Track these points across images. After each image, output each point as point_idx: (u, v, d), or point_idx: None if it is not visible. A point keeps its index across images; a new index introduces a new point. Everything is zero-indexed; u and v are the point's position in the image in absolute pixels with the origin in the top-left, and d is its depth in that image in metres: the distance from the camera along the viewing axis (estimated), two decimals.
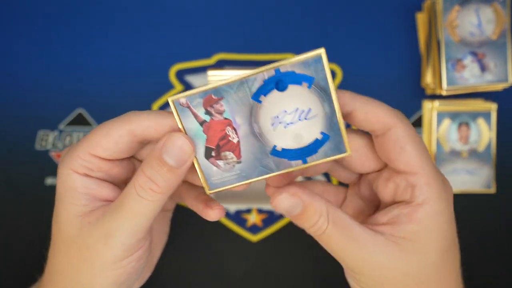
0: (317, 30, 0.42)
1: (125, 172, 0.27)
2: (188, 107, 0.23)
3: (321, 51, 0.22)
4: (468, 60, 0.39)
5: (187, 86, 0.42)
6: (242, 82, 0.23)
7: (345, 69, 0.42)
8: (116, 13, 0.42)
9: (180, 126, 0.24)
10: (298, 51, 0.42)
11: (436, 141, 0.40)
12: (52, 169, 0.42)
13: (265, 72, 0.23)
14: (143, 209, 0.24)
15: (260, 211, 0.42)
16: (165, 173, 0.23)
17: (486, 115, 0.40)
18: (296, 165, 0.24)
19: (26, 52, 0.42)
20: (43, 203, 0.41)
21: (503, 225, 0.42)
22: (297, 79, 0.23)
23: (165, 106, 0.42)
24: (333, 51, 0.42)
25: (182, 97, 0.23)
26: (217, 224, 0.42)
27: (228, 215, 0.42)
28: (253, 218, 0.42)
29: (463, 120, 0.40)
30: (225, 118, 0.24)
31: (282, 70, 0.23)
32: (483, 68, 0.39)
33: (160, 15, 0.42)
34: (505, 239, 0.42)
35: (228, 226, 0.42)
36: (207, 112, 0.23)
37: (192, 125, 0.24)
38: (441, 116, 0.40)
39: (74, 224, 0.25)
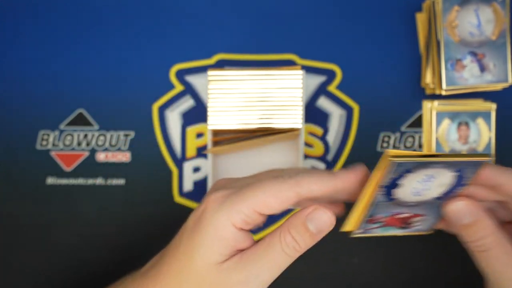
0: (317, 30, 0.42)
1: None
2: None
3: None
4: (468, 60, 0.39)
5: (187, 86, 0.42)
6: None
7: (345, 69, 0.42)
8: (117, 14, 0.42)
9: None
10: (298, 52, 0.42)
11: (435, 141, 0.40)
12: (53, 168, 0.42)
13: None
14: (282, 262, 0.26)
15: None
16: (307, 237, 0.26)
17: (486, 115, 0.40)
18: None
19: (27, 52, 0.42)
20: (44, 202, 0.42)
21: None
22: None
23: (166, 105, 0.42)
24: (333, 51, 0.42)
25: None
26: None
27: None
28: None
29: (462, 120, 0.40)
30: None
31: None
32: (482, 68, 0.39)
33: (161, 16, 0.42)
34: None
35: None
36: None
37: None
38: (440, 116, 0.40)
39: (212, 269, 0.26)
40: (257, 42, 0.42)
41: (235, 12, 0.42)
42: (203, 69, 0.42)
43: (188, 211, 0.42)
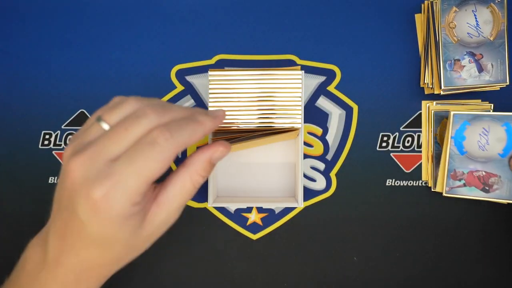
0: (316, 31, 0.42)
1: None
2: None
3: None
4: (466, 61, 0.39)
5: (188, 87, 0.42)
6: None
7: (344, 69, 0.42)
8: (118, 16, 0.43)
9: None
10: (298, 52, 0.42)
11: (433, 140, 0.41)
12: (55, 168, 0.42)
13: None
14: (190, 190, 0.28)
15: (260, 210, 0.42)
16: (210, 169, 0.29)
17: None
18: None
19: (29, 53, 0.43)
20: (46, 201, 0.42)
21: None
22: None
23: None
24: (333, 52, 0.42)
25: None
26: (218, 222, 0.42)
27: (228, 213, 0.42)
28: (253, 217, 0.42)
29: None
30: None
31: None
32: (480, 69, 0.39)
33: (162, 17, 0.43)
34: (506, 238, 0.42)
35: (228, 225, 0.42)
36: None
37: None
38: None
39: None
40: (257, 43, 0.42)
41: (235, 14, 0.43)
42: (203, 69, 0.42)
43: (187, 210, 0.42)
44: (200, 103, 0.42)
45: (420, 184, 0.42)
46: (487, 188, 0.37)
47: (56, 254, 0.27)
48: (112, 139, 0.25)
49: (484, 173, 0.37)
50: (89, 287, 0.28)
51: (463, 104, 0.41)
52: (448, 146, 0.38)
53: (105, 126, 0.26)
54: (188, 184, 0.27)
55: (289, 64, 0.42)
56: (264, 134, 0.38)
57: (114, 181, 0.24)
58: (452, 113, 0.38)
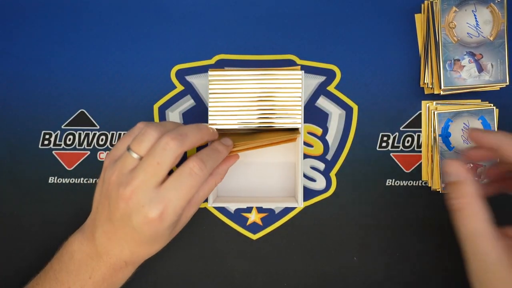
0: (316, 31, 0.42)
1: None
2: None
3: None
4: (466, 61, 0.39)
5: (188, 87, 0.42)
6: None
7: (344, 69, 0.42)
8: (118, 16, 0.43)
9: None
10: (297, 52, 0.42)
11: (433, 140, 0.41)
12: (55, 168, 0.42)
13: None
14: (189, 184, 0.34)
15: (260, 209, 0.42)
16: (217, 155, 0.37)
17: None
18: None
19: (30, 55, 0.43)
20: (46, 201, 0.42)
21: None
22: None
23: (166, 105, 0.42)
24: (333, 52, 0.42)
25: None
26: (218, 222, 0.42)
27: (228, 213, 0.42)
28: (253, 217, 0.42)
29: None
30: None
31: None
32: (480, 69, 0.39)
33: (162, 17, 0.43)
34: None
35: (228, 224, 0.42)
36: None
37: None
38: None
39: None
40: (257, 43, 0.42)
41: (235, 14, 0.43)
42: (203, 69, 0.42)
43: None
44: (200, 103, 0.42)
45: (420, 184, 0.42)
46: (477, 179, 0.39)
47: (107, 249, 0.34)
48: (149, 172, 0.32)
49: (471, 165, 0.39)
50: (134, 267, 0.37)
51: (463, 104, 0.41)
52: (437, 143, 0.40)
53: (136, 156, 0.33)
54: (213, 187, 0.37)
55: (289, 64, 0.42)
56: (265, 130, 0.38)
57: (165, 204, 0.32)
58: (435, 112, 0.40)
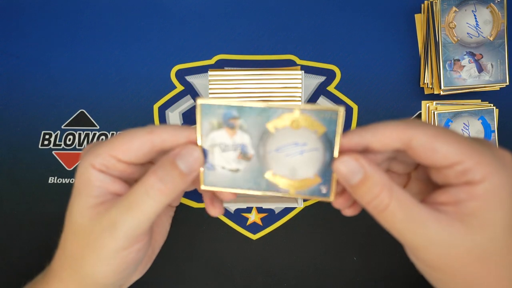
0: (316, 31, 0.42)
1: (138, 173, 0.29)
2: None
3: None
4: (466, 61, 0.39)
5: (188, 87, 0.42)
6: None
7: (345, 70, 0.42)
8: (118, 16, 0.43)
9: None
10: (298, 52, 0.42)
11: None
12: (55, 168, 0.42)
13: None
14: (148, 207, 0.25)
15: (260, 210, 0.42)
16: (175, 176, 0.25)
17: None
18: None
19: (30, 55, 0.43)
20: (46, 201, 0.42)
21: None
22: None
23: (166, 105, 0.42)
24: (333, 52, 0.42)
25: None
26: (218, 222, 0.42)
27: (228, 213, 0.42)
28: (253, 217, 0.42)
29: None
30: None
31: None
32: (480, 69, 0.39)
33: (162, 17, 0.43)
34: None
35: (228, 224, 0.42)
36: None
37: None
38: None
39: (85, 213, 0.27)
40: (257, 43, 0.42)
41: (235, 14, 0.43)
42: (203, 70, 0.42)
43: (187, 210, 0.42)
44: None
45: None
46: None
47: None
48: None
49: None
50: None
51: (463, 104, 0.41)
52: None
53: None
54: (139, 186, 0.28)
55: (289, 64, 0.42)
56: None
57: None
58: (435, 112, 0.40)
